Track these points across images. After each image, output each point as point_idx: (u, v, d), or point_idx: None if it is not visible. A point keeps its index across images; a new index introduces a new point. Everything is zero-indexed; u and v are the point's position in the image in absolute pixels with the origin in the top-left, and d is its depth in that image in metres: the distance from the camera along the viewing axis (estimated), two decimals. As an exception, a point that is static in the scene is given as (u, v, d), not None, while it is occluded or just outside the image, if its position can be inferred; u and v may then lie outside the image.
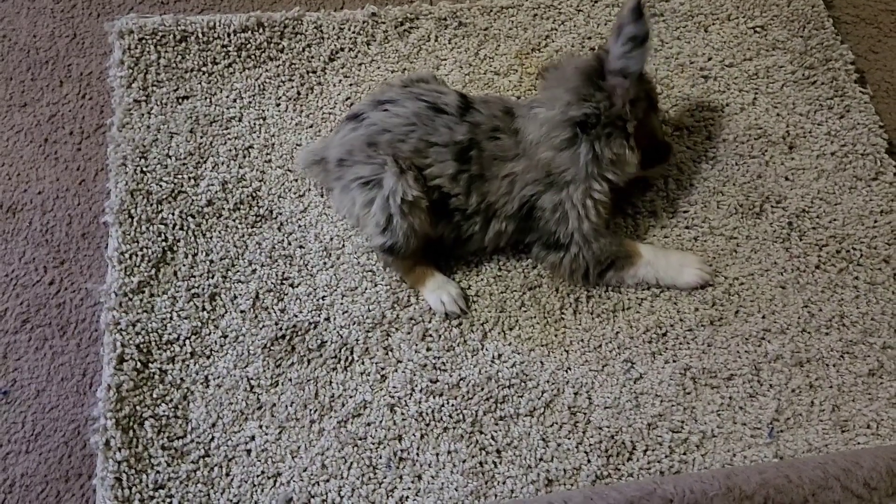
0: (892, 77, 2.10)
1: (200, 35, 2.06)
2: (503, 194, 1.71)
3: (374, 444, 1.64)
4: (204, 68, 2.04)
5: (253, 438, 1.64)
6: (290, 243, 1.86)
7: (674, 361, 1.72)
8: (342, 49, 2.10)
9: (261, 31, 2.08)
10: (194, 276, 1.80)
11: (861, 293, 1.79)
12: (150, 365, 1.69)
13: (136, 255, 1.79)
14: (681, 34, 2.13)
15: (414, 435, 1.65)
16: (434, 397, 1.68)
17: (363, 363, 1.72)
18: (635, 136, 1.73)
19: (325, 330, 1.76)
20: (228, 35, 2.07)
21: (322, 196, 1.90)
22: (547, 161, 1.69)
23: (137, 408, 1.64)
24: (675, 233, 1.87)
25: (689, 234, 1.87)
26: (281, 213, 1.89)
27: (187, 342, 1.73)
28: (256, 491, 1.58)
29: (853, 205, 1.89)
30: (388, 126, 1.68)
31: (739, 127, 1.99)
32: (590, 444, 1.64)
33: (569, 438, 1.64)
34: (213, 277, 1.80)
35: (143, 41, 2.03)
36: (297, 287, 1.81)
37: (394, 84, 1.81)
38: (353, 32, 2.12)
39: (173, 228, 1.84)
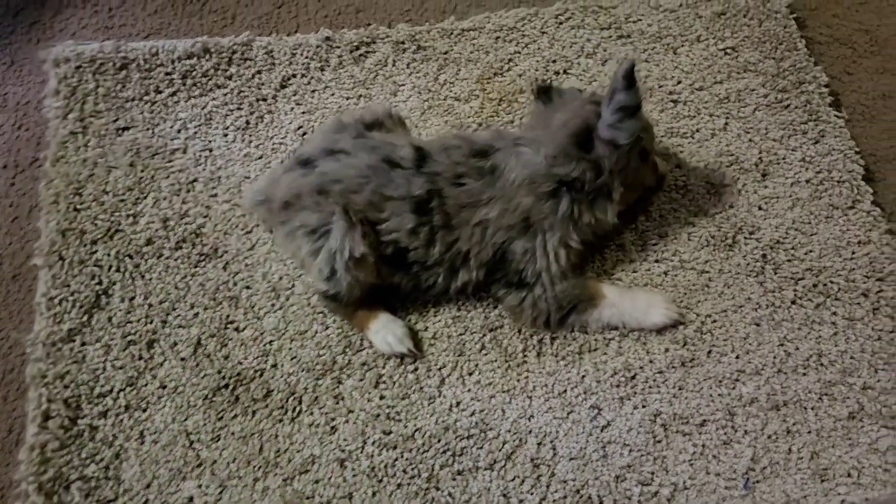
0: (868, 99, 2.02)
1: (142, 62, 1.94)
2: (475, 242, 1.60)
3: (322, 503, 1.52)
4: (146, 97, 1.92)
5: (191, 500, 1.52)
6: (235, 284, 1.74)
7: (643, 407, 1.62)
8: (294, 75, 1.99)
9: (207, 57, 1.97)
10: (131, 322, 1.68)
11: (839, 329, 1.69)
12: (79, 421, 1.57)
13: (67, 301, 1.67)
14: (649, 56, 2.04)
15: (365, 493, 1.53)
16: (387, 450, 1.57)
17: (312, 413, 1.61)
18: (627, 193, 1.65)
19: (272, 378, 1.64)
20: (172, 62, 1.95)
21: (272, 232, 1.79)
22: (527, 207, 1.58)
23: (63, 469, 1.52)
24: (645, 267, 1.77)
25: (659, 268, 1.77)
26: (227, 252, 1.78)
27: (121, 394, 1.61)
28: (192, 559, 1.46)
29: (829, 235, 1.79)
30: (340, 176, 1.57)
31: (710, 154, 1.90)
32: (554, 500, 1.53)
33: (531, 493, 1.53)
34: (151, 323, 1.68)
35: (81, 69, 1.92)
36: (242, 331, 1.69)
37: (346, 125, 1.69)
38: (306, 58, 2.01)
39: (109, 270, 1.72)
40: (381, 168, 1.57)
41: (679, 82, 1.99)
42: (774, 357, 1.67)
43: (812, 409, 1.61)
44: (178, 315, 1.70)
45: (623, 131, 1.51)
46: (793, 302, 1.72)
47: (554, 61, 2.03)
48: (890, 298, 1.72)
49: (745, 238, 1.79)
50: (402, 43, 2.04)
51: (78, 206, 1.77)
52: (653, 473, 1.55)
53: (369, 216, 1.57)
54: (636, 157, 1.60)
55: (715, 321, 1.71)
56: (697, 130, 1.93)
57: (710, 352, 1.68)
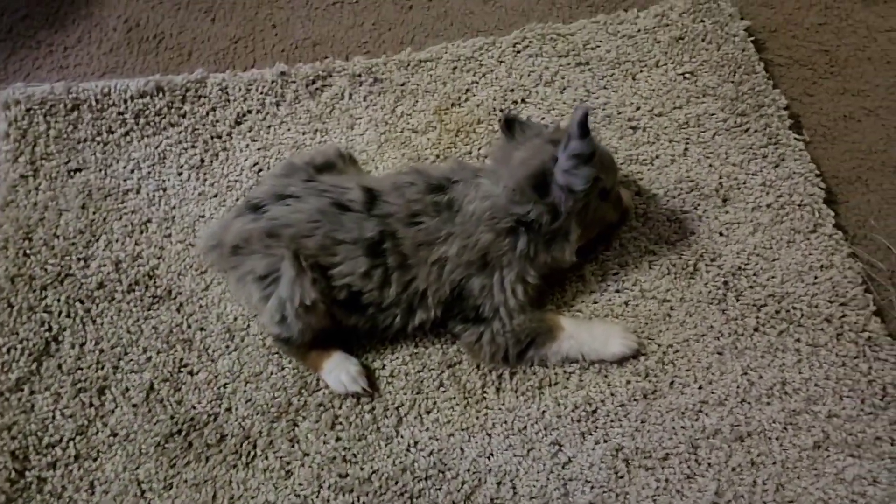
0: (829, 120, 2.00)
1: (94, 103, 1.92)
2: (433, 280, 1.58)
3: (276, 551, 1.48)
4: (98, 138, 1.90)
5: (142, 551, 1.48)
6: (189, 326, 1.71)
7: (605, 441, 1.58)
8: (249, 111, 1.98)
9: (161, 95, 1.95)
10: (81, 369, 1.65)
11: (803, 356, 1.67)
12: (26, 473, 1.53)
13: (16, 349, 1.64)
14: (608, 83, 2.02)
15: (321, 539, 1.49)
16: (343, 494, 1.53)
17: (267, 458, 1.57)
18: (586, 232, 1.64)
19: (226, 422, 1.61)
20: (125, 101, 1.94)
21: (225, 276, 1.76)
22: (486, 244, 1.56)
23: (10, 524, 1.48)
24: (605, 297, 1.75)
25: (620, 298, 1.74)
26: (180, 293, 1.75)
27: (71, 444, 1.57)
28: None
29: (792, 260, 1.77)
30: (290, 221, 1.54)
31: (670, 180, 1.88)
32: (514, 542, 1.49)
33: (491, 535, 1.49)
34: (102, 369, 1.65)
35: (32, 112, 1.90)
36: (196, 375, 1.66)
37: (298, 167, 1.67)
38: (262, 93, 1.99)
39: (59, 316, 1.69)
40: (332, 212, 1.55)
41: (638, 108, 1.98)
42: (738, 386, 1.64)
43: (777, 439, 1.58)
44: (131, 360, 1.67)
45: (578, 178, 1.49)
46: (755, 329, 1.70)
47: (512, 90, 2.01)
48: (853, 323, 1.69)
49: (707, 265, 1.77)
50: (359, 76, 2.03)
51: (27, 251, 1.74)
52: (615, 511, 1.52)
53: (321, 261, 1.54)
54: (595, 199, 1.58)
55: (677, 351, 1.68)
56: (657, 157, 1.91)
57: (672, 383, 1.65)
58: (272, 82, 2.00)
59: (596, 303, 1.74)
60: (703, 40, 2.07)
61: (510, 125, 1.62)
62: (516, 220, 1.55)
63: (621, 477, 1.55)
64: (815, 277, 1.75)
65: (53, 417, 1.59)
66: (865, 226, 1.86)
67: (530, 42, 2.08)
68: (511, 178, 1.54)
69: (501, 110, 1.98)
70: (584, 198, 1.53)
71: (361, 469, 1.56)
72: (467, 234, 1.55)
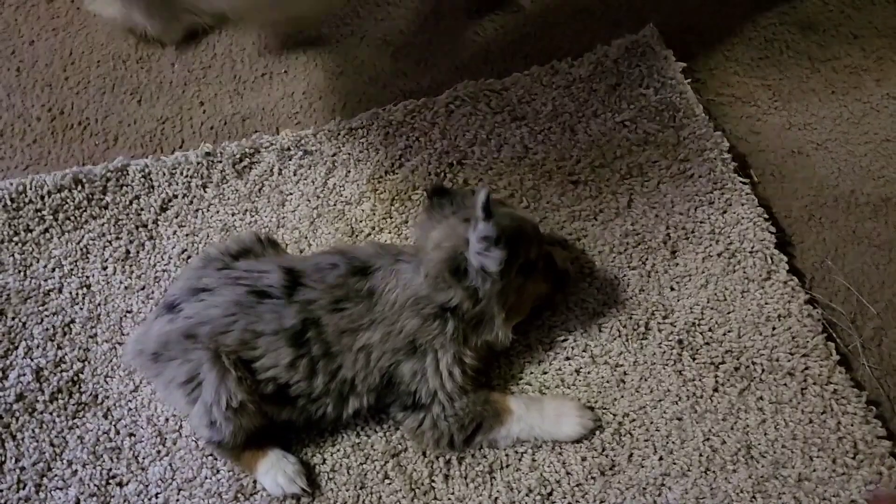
0: (777, 158, 1.94)
1: (9, 202, 1.84)
2: (360, 368, 1.49)
3: None
4: (15, 238, 1.82)
5: None
6: (118, 432, 1.62)
7: (563, 527, 1.48)
8: (175, 196, 1.90)
9: (80, 188, 1.87)
10: (1, 491, 1.54)
11: (767, 416, 1.57)
12: None
13: (-73, 476, 1.53)
14: (546, 137, 1.95)
15: None
16: None
17: (202, 575, 1.46)
18: (516, 309, 1.56)
19: (158, 537, 1.50)
20: (42, 198, 1.85)
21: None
22: (412, 329, 1.48)
23: None
24: (555, 366, 1.66)
25: (570, 366, 1.65)
26: (108, 397, 1.65)
27: (-11, 578, 1.46)
28: None
29: (747, 311, 1.68)
30: (205, 318, 1.46)
31: (615, 235, 1.80)
32: None
33: None
34: (24, 488, 1.55)
35: (-57, 216, 1.82)
36: (125, 486, 1.57)
37: (212, 257, 1.58)
38: (187, 176, 1.91)
39: (-26, 435, 1.58)
40: (248, 302, 1.46)
41: (578, 161, 1.91)
42: (700, 455, 1.54)
43: (745, 510, 1.48)
44: (55, 476, 1.57)
45: (491, 260, 1.40)
46: (715, 390, 1.61)
47: (447, 153, 1.94)
48: (817, 376, 1.60)
49: (659, 324, 1.68)
50: (288, 149, 1.95)
51: (-61, 367, 1.64)
52: None
53: (242, 355, 1.45)
54: (517, 277, 1.49)
55: (633, 420, 1.59)
56: (601, 211, 1.83)
57: (630, 456, 1.55)
58: (197, 164, 1.92)
59: (545, 373, 1.65)
60: (639, 86, 2.00)
61: (438, 194, 1.54)
62: (440, 307, 1.46)
63: (582, 566, 1.44)
64: (773, 328, 1.66)
65: (-30, 548, 1.48)
66: (823, 267, 1.78)
67: (463, 100, 2.01)
68: (428, 263, 1.46)
69: (437, 175, 1.90)
70: (501, 279, 1.44)
71: (303, 579, 1.45)
72: (391, 321, 1.46)
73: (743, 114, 2.02)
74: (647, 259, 1.77)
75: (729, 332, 1.67)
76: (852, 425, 1.55)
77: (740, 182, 1.84)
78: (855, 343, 1.67)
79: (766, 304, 1.69)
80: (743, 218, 1.79)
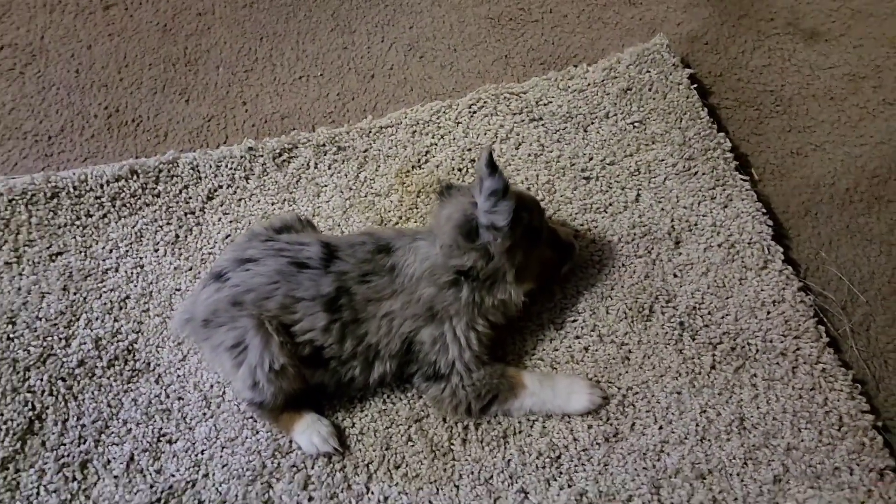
0: (777, 158, 2.08)
1: (72, 189, 2.03)
2: (383, 334, 1.65)
3: None
4: (77, 222, 2.01)
5: None
6: (168, 396, 1.78)
7: (569, 486, 1.63)
8: (220, 186, 2.08)
9: (135, 178, 2.06)
10: (64, 445, 1.71)
11: (760, 391, 1.71)
12: (11, 550, 1.59)
13: (1, 430, 1.71)
14: (560, 136, 2.11)
15: None
16: (316, 554, 1.58)
17: (242, 522, 1.63)
18: (525, 271, 1.70)
19: (203, 488, 1.67)
20: (101, 186, 2.04)
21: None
22: (429, 297, 1.64)
23: None
24: (565, 344, 1.80)
25: (579, 344, 1.80)
26: (159, 365, 1.83)
27: (54, 519, 1.63)
28: None
29: (744, 297, 1.82)
30: (251, 286, 1.63)
31: (623, 226, 1.95)
32: (482, 592, 1.52)
33: (460, 586, 1.53)
34: (84, 443, 1.72)
35: (14, 202, 2.01)
36: (174, 443, 1.73)
37: (258, 232, 1.76)
38: (231, 169, 2.09)
39: (42, 395, 1.76)
40: (289, 271, 1.63)
41: (591, 159, 2.06)
42: (697, 425, 1.68)
43: (737, 475, 1.62)
44: (112, 433, 1.74)
45: (500, 214, 1.56)
46: (712, 367, 1.75)
47: (469, 149, 2.10)
48: (808, 356, 1.74)
49: (662, 307, 1.83)
50: (323, 145, 2.13)
51: (11, 335, 1.83)
52: (581, 556, 1.55)
53: (283, 320, 1.62)
54: (524, 239, 1.65)
55: (636, 393, 1.73)
56: (610, 204, 1.98)
57: (633, 425, 1.69)
58: (241, 157, 2.10)
59: (556, 350, 1.80)
60: (649, 90, 2.16)
61: (447, 190, 1.71)
62: (456, 272, 1.62)
63: (586, 521, 1.59)
64: (768, 313, 1.80)
65: (38, 493, 1.65)
66: (817, 258, 1.91)
67: (485, 102, 2.18)
68: (442, 235, 1.62)
69: (460, 170, 2.07)
70: (511, 235, 1.59)
71: (333, 527, 1.61)
72: (410, 291, 1.63)
73: (746, 117, 2.16)
74: (652, 248, 1.91)
75: (727, 315, 1.81)
76: (839, 401, 1.68)
77: (741, 179, 1.98)
78: (844, 328, 1.80)
79: (762, 290, 1.83)
80: (742, 212, 1.93)
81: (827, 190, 2.02)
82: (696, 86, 2.15)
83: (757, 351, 1.76)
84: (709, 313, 1.81)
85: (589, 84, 2.19)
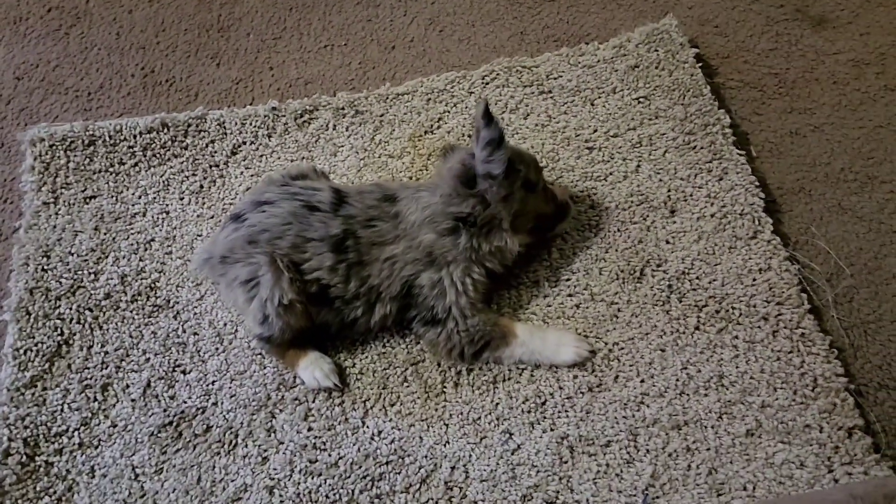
0: (776, 137, 2.15)
1: (108, 138, 2.18)
2: (385, 277, 1.77)
3: (251, 527, 1.65)
4: (111, 169, 2.16)
5: (134, 527, 1.67)
6: (184, 331, 1.92)
7: (552, 430, 1.73)
8: (244, 143, 2.21)
9: (165, 131, 2.21)
10: (88, 368, 1.86)
11: (740, 352, 1.79)
12: (36, 458, 1.74)
13: (31, 351, 1.86)
14: (567, 109, 2.21)
15: (291, 517, 1.66)
16: (312, 477, 1.70)
17: (246, 446, 1.75)
18: (521, 220, 1.81)
19: (213, 414, 1.80)
20: (134, 137, 2.19)
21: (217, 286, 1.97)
22: (429, 243, 1.76)
23: (20, 502, 1.68)
24: (558, 301, 1.90)
25: (571, 301, 1.89)
26: (178, 303, 1.96)
27: (76, 433, 1.77)
28: (127, 580, 1.60)
29: (732, 264, 1.90)
30: (266, 226, 1.76)
31: (622, 194, 2.04)
32: (463, 519, 1.63)
33: (443, 514, 1.64)
34: (106, 368, 1.86)
35: (54, 147, 2.16)
36: (188, 374, 1.86)
37: (275, 179, 1.89)
38: (255, 126, 2.23)
39: (70, 323, 1.91)
40: (302, 213, 1.75)
41: (595, 130, 2.16)
42: (677, 380, 1.77)
43: (712, 427, 1.70)
44: (131, 361, 1.88)
45: (495, 163, 1.67)
46: (696, 328, 1.83)
47: (480, 118, 2.21)
48: (788, 321, 1.81)
49: (653, 270, 1.92)
50: (342, 109, 2.25)
51: (45, 267, 1.98)
52: (558, 492, 1.65)
53: (293, 258, 1.74)
54: (520, 189, 1.76)
55: (622, 348, 1.82)
56: (611, 174, 2.08)
57: (616, 377, 1.79)
58: (264, 117, 2.24)
59: (549, 306, 1.90)
60: (656, 67, 2.24)
61: (449, 150, 1.83)
62: (454, 219, 1.73)
63: (565, 462, 1.69)
64: (754, 280, 1.88)
65: (62, 410, 1.80)
66: (808, 232, 1.99)
67: (498, 74, 2.28)
68: (442, 184, 1.74)
69: (469, 136, 2.17)
70: (507, 185, 1.70)
71: (329, 455, 1.73)
72: (412, 237, 1.74)
73: (749, 97, 2.23)
74: (647, 216, 2.00)
75: (714, 280, 1.89)
76: (815, 364, 1.75)
77: (737, 154, 2.06)
78: (828, 297, 1.87)
79: (750, 259, 1.91)
80: (737, 184, 2.01)
81: (822, 169, 2.09)
82: (701, 65, 2.23)
83: (740, 314, 1.84)
84: (697, 278, 1.90)
85: (599, 60, 2.29)
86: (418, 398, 1.79)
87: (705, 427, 1.71)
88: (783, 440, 1.67)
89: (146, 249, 2.04)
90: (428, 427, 1.75)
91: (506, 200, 1.74)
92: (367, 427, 1.76)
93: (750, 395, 1.74)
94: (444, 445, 1.73)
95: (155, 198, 2.13)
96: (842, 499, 1.28)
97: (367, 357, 1.86)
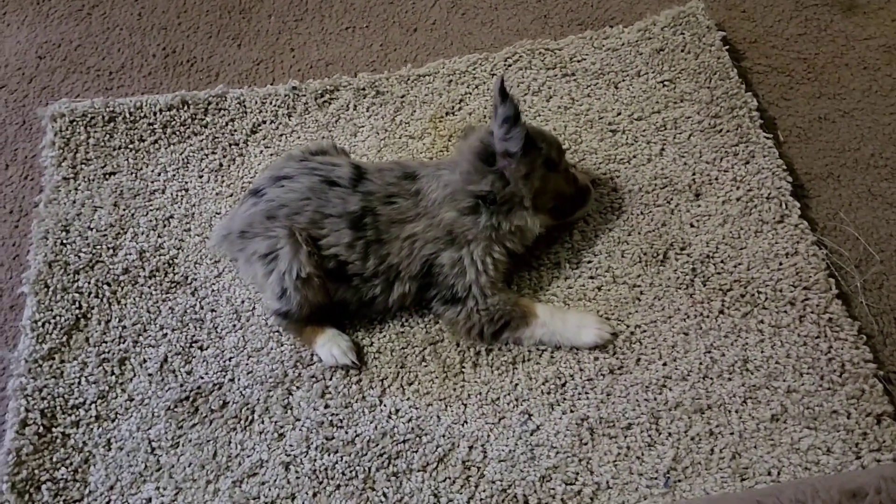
0: (804, 122, 2.11)
1: (128, 115, 2.18)
2: (405, 256, 1.75)
3: (266, 503, 1.63)
4: (131, 145, 2.15)
5: (149, 501, 1.66)
6: (202, 307, 1.91)
7: (571, 412, 1.70)
8: (264, 122, 2.20)
9: (185, 108, 2.20)
10: (105, 342, 1.85)
11: (765, 337, 1.75)
12: (53, 429, 1.73)
13: (50, 323, 1.86)
14: (591, 92, 2.18)
15: (307, 493, 1.64)
16: (329, 454, 1.68)
17: (262, 422, 1.74)
18: (541, 199, 1.78)
19: (229, 390, 1.79)
20: (155, 114, 2.19)
21: (235, 262, 1.96)
22: (450, 221, 1.74)
23: (36, 472, 1.68)
24: (579, 283, 1.87)
25: (593, 283, 1.87)
26: (196, 279, 1.95)
27: (93, 406, 1.77)
28: (142, 552, 1.59)
29: (758, 248, 1.87)
30: (284, 201, 1.75)
31: (645, 177, 2.01)
32: (481, 499, 1.61)
33: (460, 493, 1.62)
34: (123, 342, 1.86)
35: (74, 123, 2.16)
36: (205, 349, 1.85)
37: (294, 155, 1.88)
38: (275, 105, 2.22)
39: (88, 297, 1.91)
40: (320, 189, 1.74)
41: (619, 114, 2.13)
42: (701, 363, 1.73)
43: (736, 411, 1.67)
44: (149, 335, 1.87)
45: (513, 140, 1.65)
46: (721, 312, 1.80)
47: (502, 99, 2.18)
48: (815, 306, 1.78)
49: (677, 253, 1.88)
50: (363, 89, 2.24)
51: (64, 241, 1.98)
52: (577, 473, 1.62)
53: (311, 233, 1.73)
54: (541, 167, 1.73)
55: (644, 331, 1.79)
56: (634, 157, 2.05)
57: (638, 360, 1.76)
58: (285, 96, 2.23)
59: (570, 287, 1.87)
60: (682, 51, 2.21)
61: (468, 131, 1.82)
62: (474, 197, 1.71)
63: (585, 444, 1.66)
64: (780, 264, 1.84)
65: (79, 383, 1.80)
66: (836, 218, 1.95)
67: (520, 56, 2.26)
68: (462, 162, 1.72)
69: (491, 117, 2.15)
70: (527, 162, 1.68)
71: (346, 433, 1.71)
72: (432, 215, 1.72)
73: (777, 82, 2.20)
74: (672, 199, 1.97)
75: (739, 264, 1.85)
76: (843, 349, 1.72)
77: (765, 137, 2.02)
78: (856, 283, 1.83)
79: (777, 243, 1.87)
80: (763, 168, 1.97)
81: (851, 155, 2.04)
82: (728, 48, 2.20)
83: (766, 299, 1.80)
84: (722, 262, 1.86)
85: (623, 44, 2.26)
86: (436, 378, 1.77)
87: (729, 411, 1.67)
88: (809, 426, 1.64)
89: (165, 226, 2.04)
90: (446, 406, 1.73)
91: (526, 178, 1.72)
92: (385, 405, 1.74)
93: (775, 380, 1.70)
94: (463, 425, 1.70)
95: (174, 175, 2.12)
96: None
97: (385, 336, 1.84)
